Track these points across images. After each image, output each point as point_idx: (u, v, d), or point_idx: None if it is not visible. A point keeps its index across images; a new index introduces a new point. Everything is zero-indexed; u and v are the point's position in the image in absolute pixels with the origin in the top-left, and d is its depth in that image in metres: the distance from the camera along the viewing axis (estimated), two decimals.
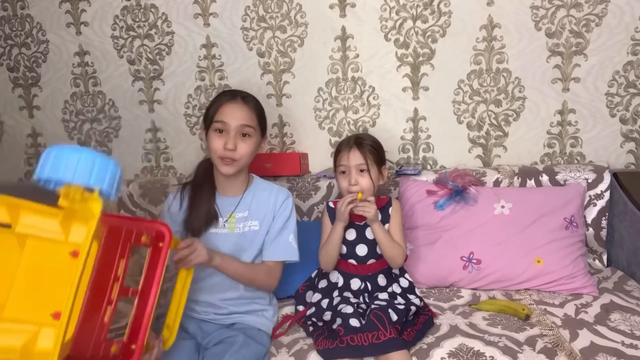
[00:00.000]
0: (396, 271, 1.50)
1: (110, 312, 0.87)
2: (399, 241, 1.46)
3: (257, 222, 1.40)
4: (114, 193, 0.80)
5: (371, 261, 1.47)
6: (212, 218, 1.37)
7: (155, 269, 1.00)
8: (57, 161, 0.76)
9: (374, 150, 1.46)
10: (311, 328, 1.38)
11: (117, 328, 1.33)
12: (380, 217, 1.48)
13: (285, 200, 1.44)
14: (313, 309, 1.42)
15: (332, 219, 1.49)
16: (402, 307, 1.35)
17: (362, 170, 1.44)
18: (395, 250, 1.43)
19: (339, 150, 1.50)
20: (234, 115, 1.34)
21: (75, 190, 0.77)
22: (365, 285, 1.45)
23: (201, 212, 1.36)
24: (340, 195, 1.55)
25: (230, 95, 1.39)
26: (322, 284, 1.50)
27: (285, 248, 1.41)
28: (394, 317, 1.30)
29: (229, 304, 1.37)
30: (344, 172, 1.47)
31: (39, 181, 0.78)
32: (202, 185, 1.40)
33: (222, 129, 1.34)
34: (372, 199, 1.42)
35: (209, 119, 1.38)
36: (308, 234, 1.56)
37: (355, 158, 1.44)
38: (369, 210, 1.39)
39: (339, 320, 1.30)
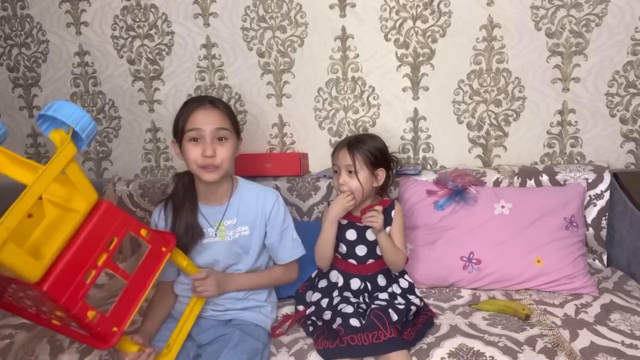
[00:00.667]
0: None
1: (92, 276, 0.99)
2: (399, 245, 1.46)
3: (246, 227, 1.38)
4: (85, 144, 1.00)
5: (370, 261, 1.47)
6: (196, 234, 1.34)
7: (150, 264, 1.12)
8: (60, 107, 0.97)
9: (368, 153, 1.45)
10: (311, 328, 1.38)
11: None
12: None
13: (276, 203, 1.41)
14: (313, 308, 1.42)
15: None
16: (402, 307, 1.35)
17: (350, 172, 1.44)
18: (397, 257, 1.43)
19: (335, 148, 1.52)
20: (207, 120, 1.30)
21: (61, 132, 0.97)
22: (365, 285, 1.45)
23: (184, 229, 1.33)
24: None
25: (197, 101, 1.35)
26: (322, 283, 1.50)
27: (292, 247, 1.43)
28: (394, 317, 1.30)
29: (226, 302, 1.37)
30: (336, 171, 1.49)
31: (40, 118, 0.99)
32: (184, 201, 1.37)
33: (196, 137, 1.30)
34: (379, 208, 1.42)
35: (179, 130, 1.33)
36: (308, 234, 1.56)
37: (344, 159, 1.44)
38: (377, 221, 1.38)
39: (339, 320, 1.30)
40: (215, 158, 1.29)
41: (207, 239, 1.36)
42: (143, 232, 1.10)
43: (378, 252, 1.47)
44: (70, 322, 1.02)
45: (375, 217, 1.38)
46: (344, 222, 1.49)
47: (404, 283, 1.48)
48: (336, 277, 1.48)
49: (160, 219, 1.39)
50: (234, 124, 1.38)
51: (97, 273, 1.00)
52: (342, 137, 1.85)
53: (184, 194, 1.38)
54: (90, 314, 0.98)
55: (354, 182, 1.43)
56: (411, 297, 1.44)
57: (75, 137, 0.99)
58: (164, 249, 1.16)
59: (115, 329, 1.02)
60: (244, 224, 1.38)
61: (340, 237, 1.48)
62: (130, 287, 1.07)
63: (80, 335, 1.04)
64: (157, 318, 1.34)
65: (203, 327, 1.33)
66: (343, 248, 1.49)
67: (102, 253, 1.01)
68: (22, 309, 1.07)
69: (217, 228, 1.37)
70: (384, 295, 1.42)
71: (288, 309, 1.52)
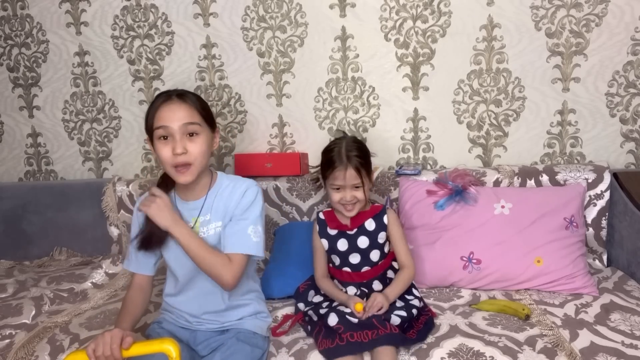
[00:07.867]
0: (391, 275, 1.48)
1: None
2: (404, 257, 1.46)
3: (220, 222, 1.29)
4: None
5: (365, 268, 1.46)
6: None
7: None
8: None
9: (363, 162, 1.41)
10: (309, 327, 1.37)
11: None
12: (379, 231, 1.47)
13: (247, 191, 1.29)
14: (312, 307, 1.42)
15: (322, 233, 1.49)
16: (403, 311, 1.34)
17: (357, 187, 1.41)
18: (410, 279, 1.45)
19: (332, 165, 1.40)
20: (174, 117, 1.22)
21: None
22: (362, 292, 1.43)
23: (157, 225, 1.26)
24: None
25: (164, 96, 1.27)
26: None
27: (242, 240, 1.26)
28: (397, 322, 1.29)
29: (216, 316, 1.33)
30: (337, 188, 1.42)
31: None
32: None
33: (165, 135, 1.22)
34: (377, 306, 1.33)
35: (148, 128, 1.26)
36: (307, 234, 1.56)
37: (351, 178, 1.39)
38: (382, 310, 1.33)
39: (333, 316, 1.29)
40: (187, 155, 1.22)
41: None
42: None
43: (373, 259, 1.46)
44: None
45: (381, 311, 1.32)
46: (334, 232, 1.48)
47: None
48: None
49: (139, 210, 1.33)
50: (207, 117, 1.28)
51: None
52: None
53: (159, 185, 1.32)
54: None
55: (360, 194, 1.41)
56: (409, 297, 1.43)
57: None
58: None
59: None
60: (218, 219, 1.29)
61: (332, 248, 1.48)
62: None
63: None
64: (135, 314, 1.27)
65: (200, 339, 1.30)
66: (336, 259, 1.47)
67: None
68: None
69: (193, 225, 1.30)
70: None
71: (288, 309, 1.51)
